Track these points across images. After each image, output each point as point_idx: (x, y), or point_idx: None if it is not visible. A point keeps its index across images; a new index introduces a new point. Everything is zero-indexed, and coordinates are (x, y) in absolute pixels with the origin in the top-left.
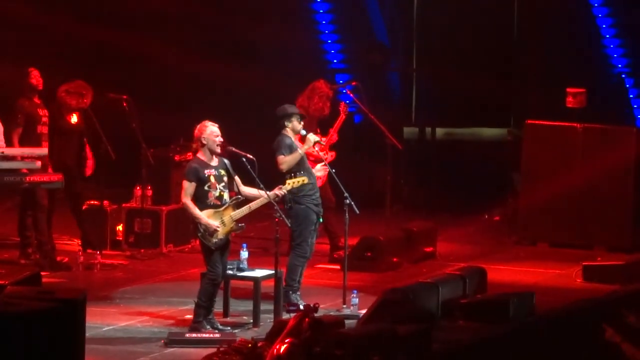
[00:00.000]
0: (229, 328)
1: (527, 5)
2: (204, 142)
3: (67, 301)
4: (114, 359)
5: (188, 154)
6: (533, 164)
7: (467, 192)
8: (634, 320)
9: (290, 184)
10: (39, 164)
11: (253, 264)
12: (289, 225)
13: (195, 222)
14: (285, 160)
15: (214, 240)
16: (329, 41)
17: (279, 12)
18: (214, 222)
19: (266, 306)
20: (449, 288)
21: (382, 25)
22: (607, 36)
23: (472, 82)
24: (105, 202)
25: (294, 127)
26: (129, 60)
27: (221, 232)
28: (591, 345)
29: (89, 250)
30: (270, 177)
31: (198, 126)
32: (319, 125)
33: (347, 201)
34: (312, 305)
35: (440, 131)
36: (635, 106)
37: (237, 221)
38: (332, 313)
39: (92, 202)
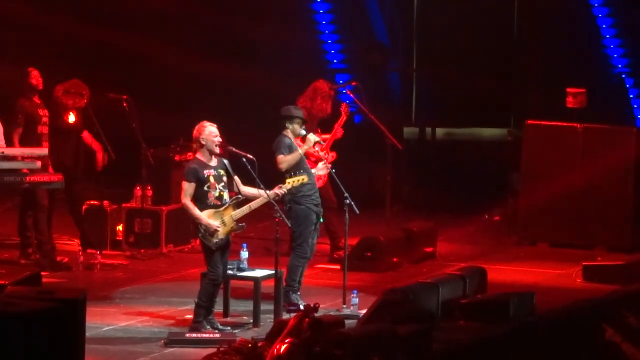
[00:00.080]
0: (229, 328)
1: (527, 5)
2: (203, 142)
3: (67, 301)
4: (113, 359)
5: (188, 154)
6: (533, 164)
7: (467, 192)
8: (634, 321)
9: (290, 183)
10: (39, 164)
11: (253, 264)
12: (289, 225)
13: (195, 222)
14: (285, 160)
15: (215, 240)
16: (329, 41)
17: (279, 12)
18: (214, 222)
19: (266, 306)
20: (449, 288)
21: (382, 25)
22: (607, 36)
23: (472, 82)
24: (105, 202)
25: (294, 129)
26: (129, 60)
27: (222, 232)
28: (591, 346)
29: (89, 250)
30: (270, 177)
31: (196, 127)
32: (319, 125)
33: (347, 201)
34: (312, 305)
35: (440, 131)
36: (635, 106)
37: (238, 221)
38: (332, 313)
39: (92, 202)
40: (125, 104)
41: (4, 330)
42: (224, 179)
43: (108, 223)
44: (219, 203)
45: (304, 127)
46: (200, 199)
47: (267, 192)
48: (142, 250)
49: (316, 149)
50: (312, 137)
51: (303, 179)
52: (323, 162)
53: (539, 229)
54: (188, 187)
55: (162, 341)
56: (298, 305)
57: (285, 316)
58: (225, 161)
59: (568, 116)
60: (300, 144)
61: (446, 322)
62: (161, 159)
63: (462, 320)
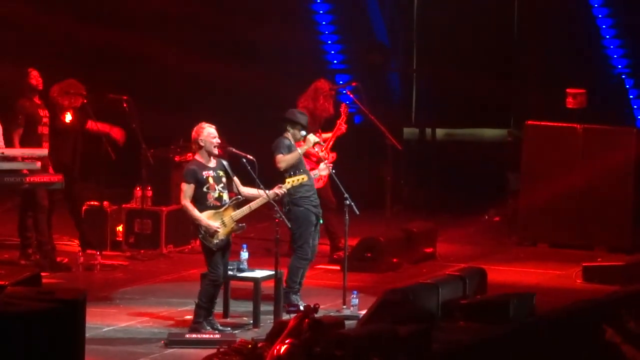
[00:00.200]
0: (229, 329)
1: (527, 5)
2: (202, 144)
3: (67, 302)
4: None
5: (188, 154)
6: (533, 165)
7: (467, 192)
8: (633, 326)
9: (290, 182)
10: (39, 164)
11: (253, 264)
12: (289, 225)
13: (195, 223)
14: (284, 159)
15: (215, 241)
16: (329, 41)
17: (279, 12)
18: (214, 223)
19: (266, 307)
20: (449, 289)
21: (382, 26)
22: (607, 37)
23: (472, 83)
24: (105, 203)
25: (294, 134)
26: (129, 60)
27: (222, 233)
28: (591, 346)
29: (89, 251)
30: (270, 177)
31: (195, 128)
32: (322, 126)
33: (347, 202)
34: (312, 305)
35: (440, 132)
36: (635, 107)
37: (238, 221)
38: (332, 314)
39: (92, 202)
40: (125, 104)
41: (4, 330)
42: (223, 179)
43: (108, 224)
44: (219, 204)
45: (302, 134)
46: (200, 200)
47: (267, 192)
48: (142, 251)
49: (316, 149)
50: (312, 138)
51: (303, 179)
52: (325, 163)
53: (539, 230)
54: (187, 189)
55: (162, 342)
56: (298, 306)
57: (285, 317)
58: (225, 162)
59: (568, 117)
60: (302, 144)
61: (446, 322)
62: (161, 159)
63: (462, 321)
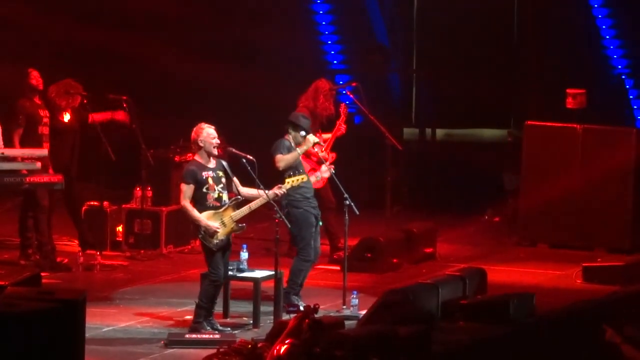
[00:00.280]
0: (229, 329)
1: (527, 6)
2: (201, 144)
3: (67, 302)
4: None
5: (188, 154)
6: (533, 165)
7: (467, 192)
8: (630, 330)
9: (290, 182)
10: (39, 164)
11: (253, 264)
12: (289, 226)
13: (195, 223)
14: (284, 159)
15: (215, 241)
16: (329, 42)
17: (279, 12)
18: (214, 224)
19: (266, 307)
20: (449, 289)
21: (382, 26)
22: (607, 37)
23: (472, 83)
24: (105, 203)
25: (295, 137)
26: (128, 61)
27: (222, 233)
28: (591, 346)
29: (89, 251)
30: (270, 178)
31: (194, 129)
32: (322, 127)
33: (347, 202)
34: (312, 306)
35: (440, 132)
36: (635, 107)
37: (238, 221)
38: (332, 314)
39: (92, 203)
40: (125, 105)
41: (4, 330)
42: (223, 180)
43: (108, 224)
44: (218, 204)
45: (303, 138)
46: (200, 201)
47: (267, 192)
48: (142, 251)
49: (315, 149)
50: (312, 138)
51: (303, 179)
52: (326, 165)
53: (538, 230)
54: (187, 190)
55: (162, 342)
56: (298, 306)
57: (285, 317)
58: (224, 162)
59: (568, 117)
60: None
61: (446, 323)
62: (161, 159)
63: (462, 321)
